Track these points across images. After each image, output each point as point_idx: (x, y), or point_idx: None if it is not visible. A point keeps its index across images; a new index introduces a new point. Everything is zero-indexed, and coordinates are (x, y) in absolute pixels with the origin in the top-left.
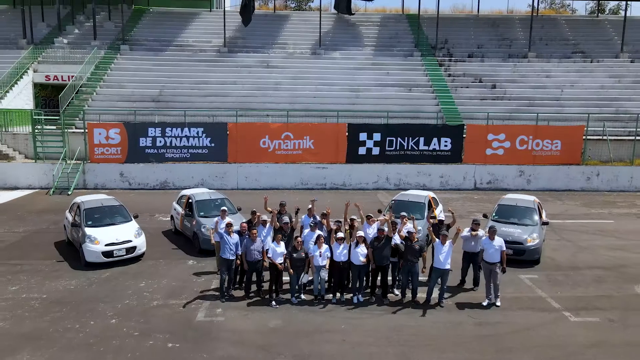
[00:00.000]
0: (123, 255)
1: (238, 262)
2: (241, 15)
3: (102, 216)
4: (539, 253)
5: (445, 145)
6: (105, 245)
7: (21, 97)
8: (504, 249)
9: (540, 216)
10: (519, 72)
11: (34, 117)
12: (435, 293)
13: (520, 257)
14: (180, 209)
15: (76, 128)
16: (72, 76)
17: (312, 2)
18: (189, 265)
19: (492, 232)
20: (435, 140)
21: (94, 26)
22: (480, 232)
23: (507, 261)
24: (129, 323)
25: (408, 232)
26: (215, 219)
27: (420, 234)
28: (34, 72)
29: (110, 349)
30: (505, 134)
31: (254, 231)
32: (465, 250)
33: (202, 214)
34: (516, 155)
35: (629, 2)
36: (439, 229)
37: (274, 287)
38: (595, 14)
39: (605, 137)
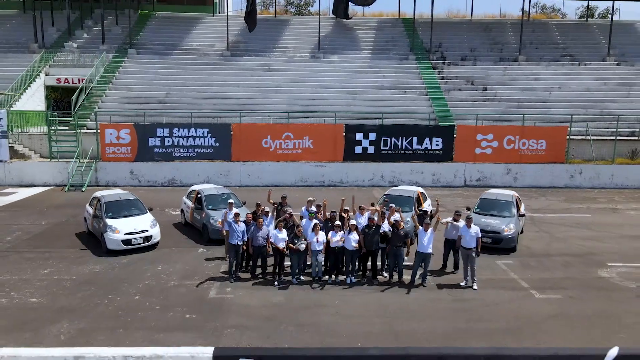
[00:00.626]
0: (140, 244)
1: (244, 247)
2: (246, 22)
3: (121, 208)
4: (515, 242)
5: (437, 145)
6: (125, 234)
7: (34, 99)
8: (479, 235)
9: (518, 209)
10: (509, 75)
11: (49, 118)
12: (419, 275)
13: (498, 245)
14: (190, 203)
15: (88, 129)
16: (82, 79)
17: (312, 6)
18: (199, 253)
19: (468, 221)
20: (427, 140)
21: (102, 31)
22: (461, 222)
23: (486, 249)
24: (150, 299)
25: (395, 220)
26: (224, 210)
27: (409, 225)
28: (46, 75)
29: (136, 319)
30: (494, 134)
31: (260, 220)
32: (446, 237)
33: (210, 207)
34: (503, 154)
35: (616, 8)
36: (422, 218)
37: (277, 270)
38: (585, 19)
39: (588, 137)
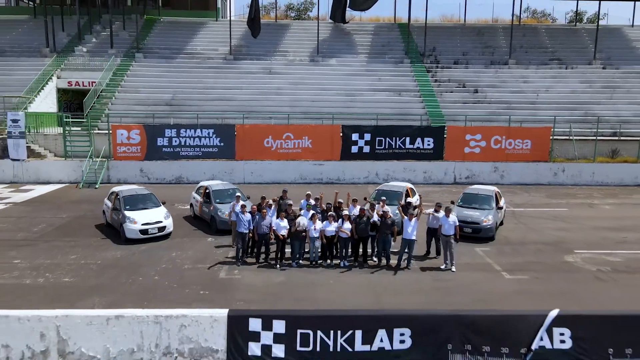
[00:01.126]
0: (155, 233)
1: (250, 235)
2: (249, 27)
3: (137, 202)
4: (493, 232)
5: (428, 145)
6: (142, 224)
7: (46, 101)
8: (457, 224)
9: (497, 203)
10: (499, 77)
11: (64, 120)
12: (404, 259)
13: (478, 234)
14: (199, 197)
15: (99, 129)
16: (93, 82)
17: (311, 11)
18: (208, 242)
19: (447, 211)
20: (419, 140)
21: (110, 35)
22: (441, 213)
23: (467, 238)
24: (168, 279)
25: (383, 211)
26: (232, 202)
27: (397, 216)
28: (58, 78)
29: (158, 294)
30: (482, 134)
31: (264, 211)
32: (428, 226)
33: (218, 200)
34: (491, 153)
35: (604, 13)
36: (407, 209)
37: (278, 255)
38: (574, 23)
39: (571, 138)
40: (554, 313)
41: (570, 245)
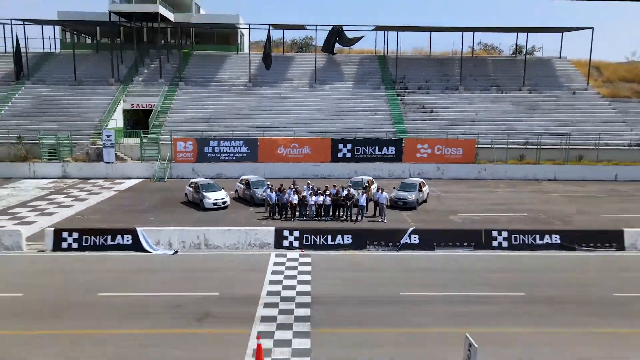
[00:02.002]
0: (220, 205)
1: (276, 203)
2: (264, 62)
3: (209, 187)
4: (415, 204)
5: (392, 151)
6: (214, 200)
7: (117, 120)
8: (387, 197)
9: (420, 188)
10: (450, 100)
11: (142, 135)
12: (359, 216)
13: (406, 205)
14: (242, 185)
15: (161, 141)
16: (150, 104)
17: (311, 45)
18: (250, 210)
19: (382, 190)
20: (385, 148)
21: (159, 68)
22: (380, 191)
23: (400, 208)
24: (237, 223)
25: (348, 191)
26: (264, 188)
27: (363, 196)
28: (123, 102)
29: (237, 225)
30: (428, 144)
31: (285, 190)
32: (372, 199)
33: (255, 187)
34: (434, 157)
35: (539, 46)
36: (364, 189)
37: (292, 214)
38: (515, 55)
39: (492, 147)
40: (411, 228)
41: (458, 210)
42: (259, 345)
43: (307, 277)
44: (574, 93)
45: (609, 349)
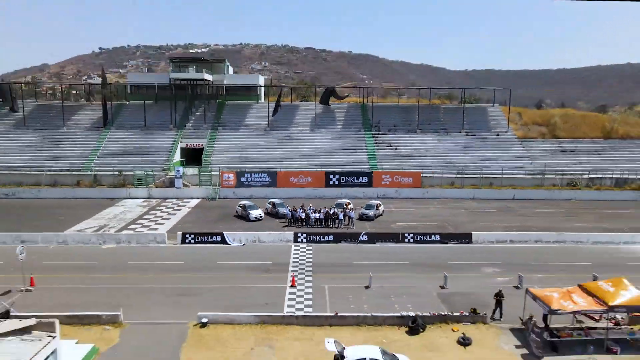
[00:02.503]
0: (259, 218)
1: (291, 217)
2: (274, 111)
3: (252, 207)
4: (372, 218)
5: (365, 180)
6: (255, 215)
7: (176, 156)
8: (353, 211)
9: (378, 207)
10: (409, 140)
11: (200, 168)
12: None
13: (368, 219)
14: (270, 205)
15: (212, 172)
16: (199, 144)
17: (314, 92)
18: (276, 222)
19: (351, 209)
20: (361, 178)
21: (204, 115)
22: (349, 208)
23: (363, 220)
24: (271, 229)
25: (334, 210)
26: (285, 207)
27: (341, 213)
28: (180, 142)
29: (264, 230)
30: (389, 175)
31: (297, 208)
32: (347, 215)
33: (279, 207)
34: (394, 184)
35: (479, 96)
36: (346, 208)
37: (301, 224)
38: (460, 104)
39: (433, 175)
40: (364, 232)
41: (398, 221)
42: (292, 277)
43: (310, 256)
44: (497, 135)
45: (432, 280)
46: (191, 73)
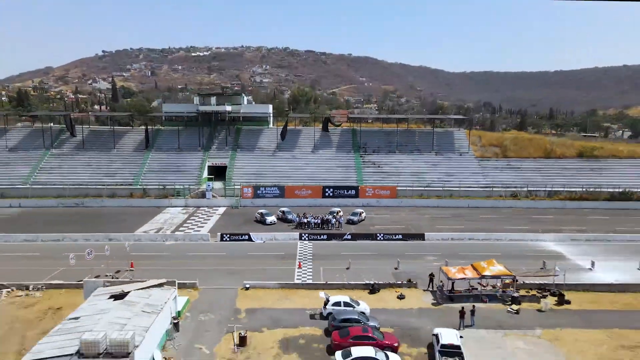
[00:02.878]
0: (273, 223)
1: (298, 221)
2: (281, 136)
3: (267, 214)
4: (357, 222)
5: (353, 192)
6: (270, 220)
7: (205, 173)
8: (342, 216)
9: (360, 214)
10: (389, 159)
11: (225, 183)
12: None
13: (353, 223)
14: (281, 213)
15: (235, 185)
16: (223, 163)
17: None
18: (285, 225)
19: (341, 215)
20: (350, 190)
21: (225, 139)
22: (340, 214)
23: (349, 224)
24: (283, 231)
25: (328, 218)
26: (293, 214)
27: (333, 219)
28: (207, 161)
29: (280, 230)
30: (372, 188)
31: (301, 215)
32: (337, 220)
33: (287, 214)
34: (375, 195)
35: (445, 122)
36: (337, 214)
37: (305, 227)
38: (431, 129)
39: (406, 188)
40: (348, 232)
41: (376, 224)
42: (299, 263)
43: (311, 249)
44: (460, 155)
45: (390, 265)
46: (214, 106)
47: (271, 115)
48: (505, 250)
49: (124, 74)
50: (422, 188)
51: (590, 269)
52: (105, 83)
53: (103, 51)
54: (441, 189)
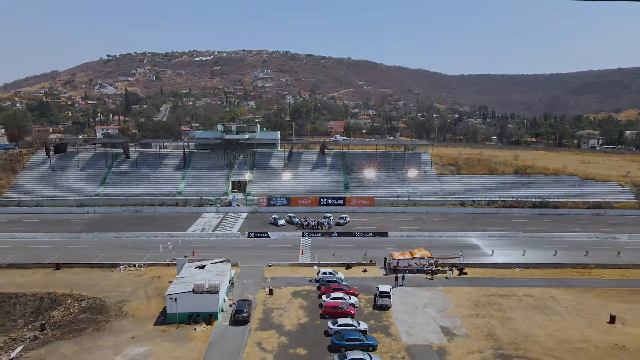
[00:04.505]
0: (284, 225)
1: (300, 224)
2: (288, 158)
3: (279, 218)
4: (343, 224)
5: (341, 202)
6: (280, 222)
7: (230, 187)
8: (331, 220)
9: (346, 218)
10: (371, 177)
11: (246, 195)
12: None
13: (340, 225)
14: (288, 217)
15: (254, 196)
16: (243, 179)
17: (312, 143)
18: (291, 227)
19: (331, 219)
20: (339, 200)
21: (245, 160)
22: (331, 218)
23: (337, 225)
24: (290, 230)
25: (322, 221)
26: (297, 219)
27: (326, 222)
28: (231, 178)
29: (289, 228)
30: (355, 199)
31: (301, 219)
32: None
33: (293, 219)
34: (358, 204)
35: (413, 146)
36: (327, 218)
37: (305, 228)
38: (403, 151)
39: (381, 198)
40: (336, 231)
41: (356, 226)
42: (302, 251)
43: (309, 242)
44: (425, 172)
45: (361, 252)
46: (234, 134)
47: (279, 140)
48: (440, 243)
49: (129, 79)
50: (394, 198)
51: (491, 255)
52: (112, 88)
53: (108, 55)
54: (407, 199)
